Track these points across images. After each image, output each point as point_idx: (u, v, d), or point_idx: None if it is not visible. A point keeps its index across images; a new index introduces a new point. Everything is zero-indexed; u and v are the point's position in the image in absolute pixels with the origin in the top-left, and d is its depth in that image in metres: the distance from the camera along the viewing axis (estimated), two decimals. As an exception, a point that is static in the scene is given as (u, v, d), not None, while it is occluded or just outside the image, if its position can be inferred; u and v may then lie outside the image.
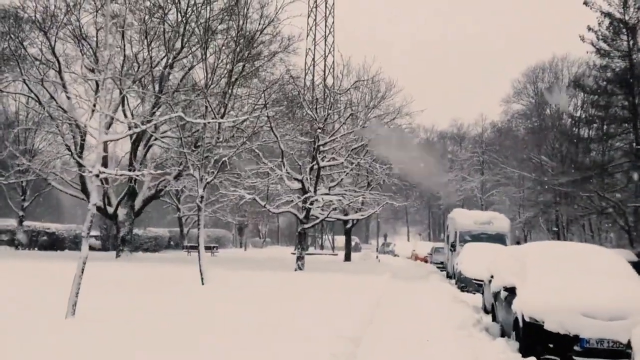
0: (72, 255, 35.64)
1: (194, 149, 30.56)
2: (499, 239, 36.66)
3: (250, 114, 33.46)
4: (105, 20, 18.41)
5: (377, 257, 59.26)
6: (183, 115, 17.38)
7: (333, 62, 67.67)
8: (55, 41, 41.51)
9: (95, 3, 40.98)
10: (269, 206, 36.15)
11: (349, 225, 50.71)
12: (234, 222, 71.98)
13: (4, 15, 42.45)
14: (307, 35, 74.22)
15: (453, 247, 39.07)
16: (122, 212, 43.45)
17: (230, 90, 32.76)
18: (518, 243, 66.46)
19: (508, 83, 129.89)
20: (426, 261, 63.97)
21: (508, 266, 15.37)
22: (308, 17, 74.41)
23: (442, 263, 51.15)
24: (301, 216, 35.62)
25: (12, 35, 42.07)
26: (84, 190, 41.95)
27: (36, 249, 53.26)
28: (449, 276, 39.67)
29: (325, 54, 75.73)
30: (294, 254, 43.49)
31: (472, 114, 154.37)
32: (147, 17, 42.40)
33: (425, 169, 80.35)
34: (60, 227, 58.79)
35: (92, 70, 40.02)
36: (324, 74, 73.28)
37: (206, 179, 24.51)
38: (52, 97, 42.19)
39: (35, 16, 41.30)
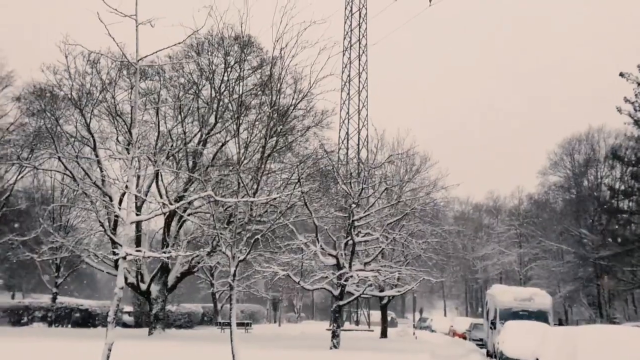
0: (103, 333, 35.03)
1: (226, 225, 30.13)
2: (540, 316, 35.46)
3: (283, 190, 33.08)
4: (135, 98, 18.21)
5: (414, 333, 57.89)
6: (213, 195, 16.99)
7: (367, 135, 67.66)
8: (90, 118, 41.92)
9: (129, 80, 41.40)
10: (303, 283, 35.46)
11: (384, 301, 49.72)
12: (268, 297, 71.20)
13: (40, 94, 43.05)
14: (341, 109, 74.50)
15: (493, 324, 37.88)
16: (155, 289, 43.00)
17: (263, 166, 32.45)
18: (560, 321, 64.86)
19: (544, 154, 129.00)
20: (464, 337, 62.35)
21: (556, 349, 14.50)
22: (341, 91, 74.80)
23: (481, 340, 49.72)
24: (336, 293, 34.85)
25: (48, 113, 42.58)
26: (117, 267, 41.58)
27: (69, 325, 52.83)
28: (489, 354, 38.40)
29: (359, 127, 75.80)
30: (329, 330, 42.56)
31: (508, 186, 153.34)
32: (181, 94, 42.74)
33: (461, 242, 79.10)
34: (94, 303, 58.52)
35: (126, 147, 40.21)
36: (358, 148, 73.21)
37: (239, 257, 23.97)
38: (86, 174, 42.35)
39: (71, 94, 41.84)
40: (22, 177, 54.31)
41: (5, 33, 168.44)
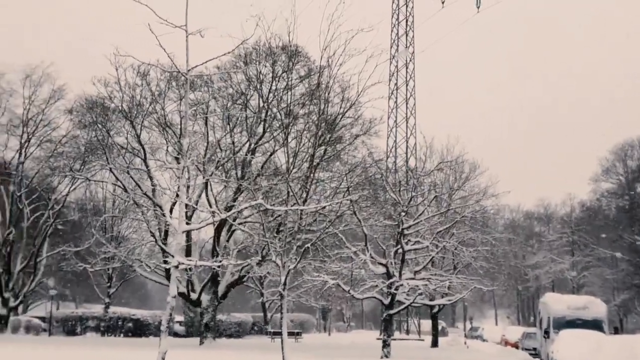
0: (155, 343, 35.33)
1: (276, 234, 30.16)
2: (595, 325, 34.73)
3: (332, 199, 32.99)
4: (185, 108, 18.33)
5: (465, 342, 57.31)
6: (264, 203, 17.03)
7: (415, 143, 67.31)
8: (140, 129, 42.40)
9: (179, 92, 41.79)
10: (353, 292, 35.31)
11: (435, 310, 49.29)
12: (317, 306, 71.10)
13: (92, 106, 43.68)
14: (388, 118, 74.25)
15: (547, 333, 37.24)
16: (205, 298, 43.22)
17: (312, 175, 32.43)
18: (615, 330, 63.60)
19: (595, 160, 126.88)
20: (517, 347, 61.45)
21: (613, 358, 14.19)
22: (389, 99, 74.59)
23: (534, 349, 48.89)
24: (386, 301, 34.66)
25: (99, 125, 43.19)
26: (168, 277, 41.91)
27: (122, 335, 53.38)
28: (543, 364, 37.78)
29: (407, 135, 75.52)
30: (379, 339, 42.33)
31: (558, 192, 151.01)
32: (229, 104, 43.00)
33: (512, 250, 78.13)
34: (146, 313, 59.06)
35: (176, 158, 40.59)
36: (406, 156, 72.90)
37: (289, 266, 23.97)
38: (137, 185, 42.81)
39: (121, 106, 42.40)
40: (74, 188, 55.25)
41: (57, 46, 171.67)
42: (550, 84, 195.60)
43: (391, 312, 35.08)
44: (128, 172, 43.25)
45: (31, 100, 53.48)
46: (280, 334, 32.25)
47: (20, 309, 60.93)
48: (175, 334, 53.44)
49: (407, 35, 77.41)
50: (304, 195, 30.47)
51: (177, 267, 13.09)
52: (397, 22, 77.47)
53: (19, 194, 53.28)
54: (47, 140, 54.51)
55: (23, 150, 53.94)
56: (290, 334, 46.41)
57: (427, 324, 65.98)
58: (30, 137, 53.82)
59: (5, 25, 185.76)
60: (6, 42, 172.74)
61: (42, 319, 58.90)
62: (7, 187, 53.41)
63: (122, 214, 53.98)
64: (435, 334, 50.96)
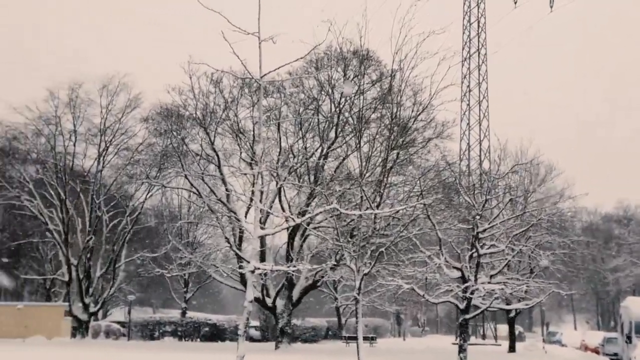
0: (232, 347, 35.67)
1: (349, 239, 30.16)
2: (680, 330, 33.75)
3: (406, 202, 32.84)
4: (259, 114, 18.47)
5: (543, 347, 56.21)
6: (338, 207, 17.04)
7: (488, 146, 66.52)
8: (214, 136, 42.91)
9: (251, 98, 42.16)
10: (427, 296, 35.02)
11: (512, 314, 48.50)
12: (391, 311, 70.72)
13: (167, 114, 44.40)
14: (461, 120, 73.53)
15: (629, 338, 36.32)
16: (280, 303, 43.47)
17: (385, 179, 32.37)
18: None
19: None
20: (597, 352, 60.00)
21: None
22: (461, 102, 73.85)
23: (615, 354, 47.71)
24: (462, 306, 34.25)
25: (174, 133, 43.86)
26: (243, 282, 42.30)
27: (198, 339, 54.06)
28: (625, 370, 36.84)
29: (480, 138, 74.65)
30: (455, 344, 41.83)
31: (638, 194, 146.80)
32: (301, 109, 43.21)
33: (591, 254, 76.41)
34: (222, 317, 59.71)
35: (249, 164, 40.93)
36: (480, 159, 72.06)
37: (363, 270, 23.93)
38: (212, 191, 43.31)
39: (195, 113, 42.96)
40: (151, 195, 56.18)
41: (132, 57, 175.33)
42: (622, 81, 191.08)
43: (467, 316, 34.63)
44: (202, 179, 43.82)
45: (108, 109, 54.61)
46: (355, 338, 32.20)
47: (100, 314, 62.26)
48: (251, 339, 53.88)
49: (479, 37, 76.61)
50: (377, 199, 30.46)
51: (253, 272, 13.19)
52: (468, 24, 76.72)
53: (97, 202, 54.43)
54: (124, 148, 55.62)
55: (101, 159, 55.08)
56: (365, 338, 46.31)
57: (503, 329, 65.06)
58: (108, 145, 54.92)
59: (84, 37, 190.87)
60: (86, 52, 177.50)
61: (121, 323, 60.09)
62: (86, 195, 54.60)
63: (198, 220, 54.67)
64: (513, 338, 50.11)
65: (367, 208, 26.40)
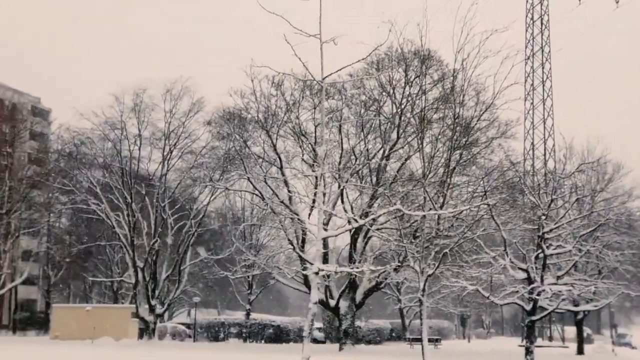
0: (296, 349, 35.82)
1: (413, 240, 29.99)
2: None
3: (469, 203, 32.48)
4: (321, 116, 18.49)
5: (613, 349, 55.07)
6: (402, 208, 16.94)
7: (553, 145, 65.45)
8: (276, 139, 43.14)
9: (313, 100, 42.27)
10: (492, 297, 34.61)
11: (580, 316, 47.60)
12: (456, 312, 70.14)
13: (229, 117, 44.82)
14: (525, 119, 72.48)
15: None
16: (343, 305, 43.45)
17: (448, 179, 32.06)
18: None
19: None
20: (668, 354, 58.61)
21: None
22: (525, 100, 72.80)
23: (688, 357, 46.48)
24: (528, 307, 33.76)
25: (237, 136, 44.25)
26: (307, 283, 42.45)
27: (262, 341, 54.38)
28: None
29: (544, 137, 73.48)
30: (521, 346, 41.30)
31: None
32: (362, 111, 43.14)
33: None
34: (286, 319, 59.98)
35: (311, 166, 41.01)
36: (545, 158, 70.95)
37: (427, 272, 23.76)
38: (274, 193, 43.52)
39: (257, 116, 43.26)
40: (214, 198, 56.70)
41: (194, 60, 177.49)
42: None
43: (533, 318, 34.13)
44: (265, 181, 44.08)
45: (172, 113, 55.27)
46: (419, 340, 31.99)
47: (165, 315, 63.11)
48: (315, 340, 53.99)
49: (542, 34, 75.43)
50: (441, 200, 30.17)
51: (317, 273, 13.19)
52: (531, 22, 75.61)
53: (162, 205, 55.16)
54: (187, 152, 56.24)
55: (165, 162, 55.77)
56: (429, 340, 45.97)
57: (571, 331, 63.97)
58: (172, 149, 55.58)
59: (147, 43, 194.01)
60: (149, 58, 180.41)
61: (187, 325, 60.81)
62: (151, 199, 55.39)
63: (261, 222, 55.00)
64: (580, 341, 49.18)
65: (431, 209, 26.20)
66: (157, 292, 55.25)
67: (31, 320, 70.80)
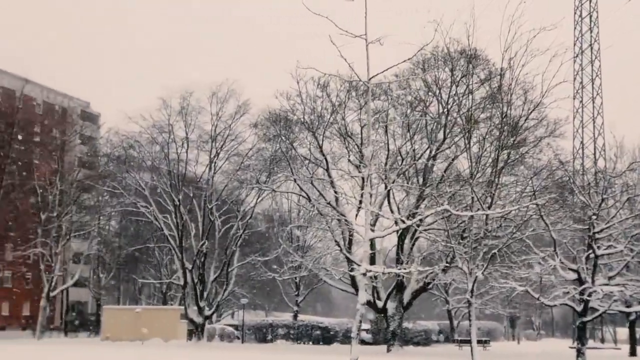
0: (343, 350, 35.82)
1: (460, 240, 29.76)
2: None
3: (518, 203, 32.13)
4: (367, 117, 18.45)
5: (666, 351, 53.99)
6: (450, 209, 16.82)
7: (603, 143, 64.45)
8: (322, 140, 43.20)
9: (358, 101, 42.23)
10: (543, 298, 34.19)
11: (632, 317, 46.79)
12: (505, 313, 69.49)
13: (275, 119, 45.00)
14: (574, 118, 71.54)
15: None
16: (391, 306, 43.32)
17: (496, 179, 31.78)
18: None
19: None
20: None
21: None
22: (573, 99, 71.86)
23: None
24: (579, 308, 33.29)
25: (283, 138, 44.41)
26: (354, 285, 42.38)
27: (310, 342, 54.46)
28: None
29: (594, 135, 72.48)
30: (572, 348, 40.74)
31: None
32: (408, 111, 42.97)
33: None
34: (333, 321, 60.00)
35: (357, 167, 40.95)
36: (595, 157, 69.95)
37: (475, 273, 23.55)
38: (321, 195, 43.56)
39: (303, 117, 43.35)
40: (261, 200, 56.82)
41: (240, 64, 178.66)
42: None
43: (585, 319, 33.64)
44: (312, 182, 44.16)
45: (218, 116, 55.50)
46: (467, 341, 31.75)
47: (214, 317, 63.53)
48: (362, 342, 53.90)
49: (591, 32, 74.43)
50: (489, 200, 29.92)
51: (364, 274, 13.15)
52: (580, 19, 74.62)
53: (210, 207, 55.49)
54: (234, 154, 56.46)
55: (212, 165, 56.07)
56: (478, 341, 45.60)
57: (623, 332, 62.88)
58: (218, 151, 55.82)
59: (193, 46, 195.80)
60: (196, 60, 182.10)
61: (235, 326, 61.15)
62: (199, 201, 55.79)
63: (307, 224, 55.07)
64: (633, 342, 48.37)
65: (478, 209, 25.99)
66: (205, 293, 55.57)
67: (82, 321, 71.87)
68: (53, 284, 58.45)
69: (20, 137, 62.05)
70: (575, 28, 74.49)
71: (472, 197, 27.14)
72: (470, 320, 23.95)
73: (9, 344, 44.75)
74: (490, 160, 35.24)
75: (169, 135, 55.86)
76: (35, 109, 73.90)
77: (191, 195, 55.30)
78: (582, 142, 72.26)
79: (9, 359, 31.36)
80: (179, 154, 56.23)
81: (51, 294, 58.83)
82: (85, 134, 74.48)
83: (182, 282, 55.57)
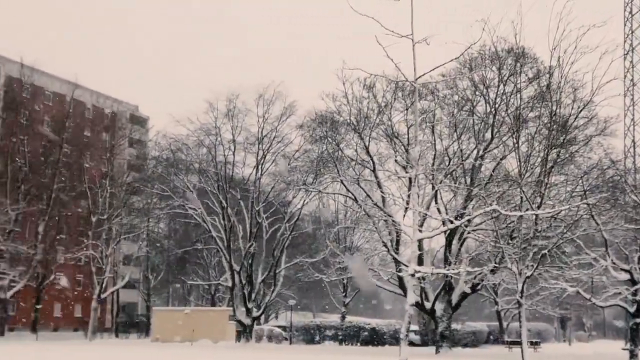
0: (391, 351, 35.73)
1: (510, 241, 29.44)
2: None
3: (568, 203, 31.72)
4: (414, 117, 18.35)
5: None
6: (498, 209, 16.65)
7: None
8: (369, 141, 43.14)
9: (405, 102, 42.06)
10: (594, 299, 33.71)
11: (687, 319, 45.85)
12: (555, 314, 68.54)
13: (322, 121, 45.07)
14: (625, 116, 70.29)
15: None
16: (439, 307, 43.03)
17: (545, 179, 31.38)
18: None
19: None
20: None
21: None
22: (624, 96, 70.62)
23: None
24: (632, 309, 32.77)
25: (329, 139, 44.45)
26: (401, 286, 42.21)
27: (358, 344, 54.35)
28: None
29: (645, 134, 71.05)
30: (625, 349, 40.04)
31: None
32: (455, 111, 42.67)
33: None
34: (381, 322, 59.76)
35: (404, 167, 40.79)
36: (646, 155, 68.60)
37: (525, 273, 23.28)
38: (367, 196, 43.48)
39: (349, 119, 43.34)
40: (308, 201, 56.94)
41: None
42: None
43: (638, 320, 33.09)
44: (358, 184, 44.08)
45: (265, 118, 55.74)
46: (518, 343, 31.39)
47: (262, 318, 63.80)
48: (411, 343, 53.63)
49: (641, 28, 73.02)
50: (538, 200, 29.56)
51: (413, 275, 13.07)
52: (630, 15, 73.32)
53: (257, 209, 55.73)
54: (281, 155, 56.67)
55: (259, 167, 56.34)
56: (529, 343, 45.10)
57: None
58: (265, 153, 56.07)
59: (240, 48, 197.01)
60: (243, 62, 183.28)
61: (283, 327, 61.30)
62: (246, 203, 56.07)
63: (354, 225, 55.00)
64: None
65: (528, 209, 25.69)
66: (253, 295, 55.86)
67: (132, 323, 72.70)
68: (104, 285, 59.26)
69: (71, 141, 63.12)
70: (625, 25, 73.23)
71: (521, 197, 26.86)
72: (520, 321, 23.69)
73: (62, 344, 45.51)
74: (539, 159, 34.81)
75: (216, 138, 56.34)
76: (85, 113, 75.10)
77: (238, 197, 55.60)
78: (633, 141, 70.89)
79: (62, 359, 31.89)
80: (226, 156, 56.64)
81: (102, 296, 59.66)
82: (134, 137, 75.48)
83: (230, 284, 55.92)
